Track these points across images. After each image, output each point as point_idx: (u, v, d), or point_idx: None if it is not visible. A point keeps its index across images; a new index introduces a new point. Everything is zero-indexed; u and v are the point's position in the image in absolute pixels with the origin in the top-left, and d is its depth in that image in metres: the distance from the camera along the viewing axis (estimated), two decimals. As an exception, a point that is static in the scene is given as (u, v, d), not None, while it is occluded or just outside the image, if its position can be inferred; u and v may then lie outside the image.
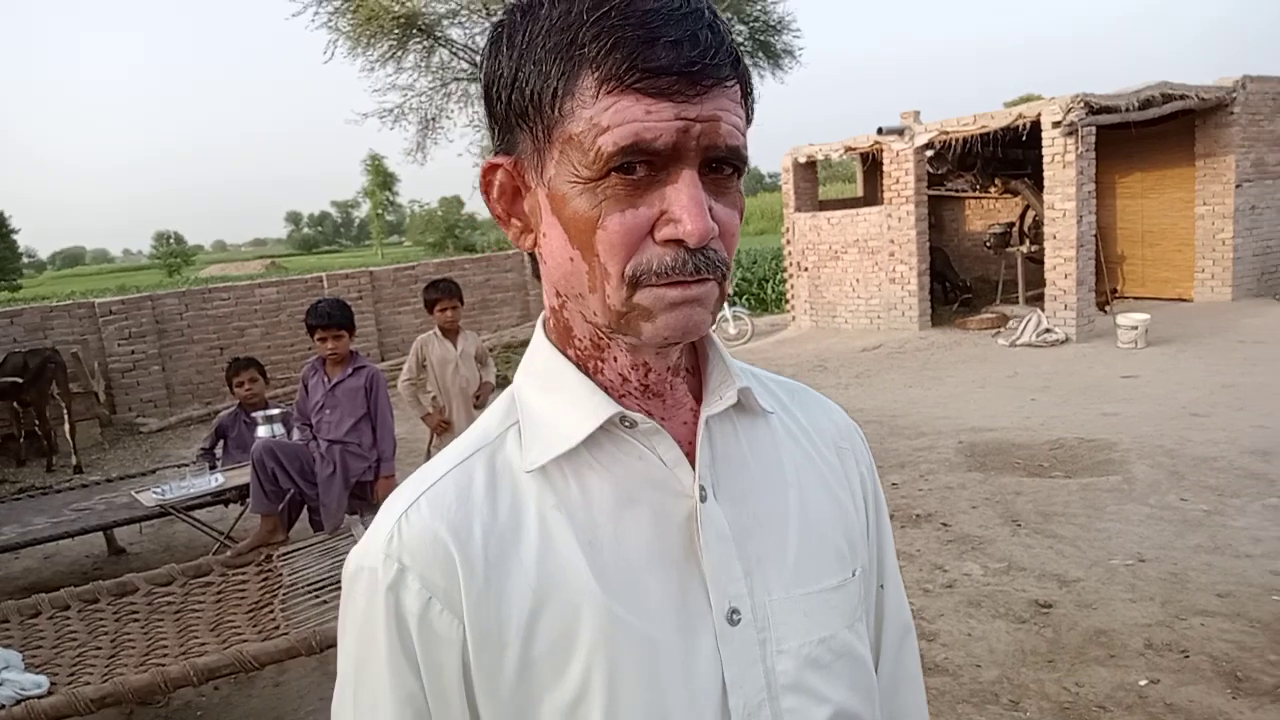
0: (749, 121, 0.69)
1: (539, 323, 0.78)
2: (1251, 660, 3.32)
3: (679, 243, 0.64)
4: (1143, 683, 3.23)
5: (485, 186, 0.73)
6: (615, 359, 0.73)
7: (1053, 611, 3.84)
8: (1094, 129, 10.09)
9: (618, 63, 0.61)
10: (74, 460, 8.93)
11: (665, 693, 0.69)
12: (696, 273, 0.65)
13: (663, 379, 0.74)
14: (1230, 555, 4.24)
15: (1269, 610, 3.68)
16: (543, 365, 0.76)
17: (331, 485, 4.25)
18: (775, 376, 0.88)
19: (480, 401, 5.19)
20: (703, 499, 0.72)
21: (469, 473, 0.72)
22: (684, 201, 0.63)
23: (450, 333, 5.13)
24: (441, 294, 5.05)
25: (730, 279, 0.70)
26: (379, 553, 0.69)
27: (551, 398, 0.74)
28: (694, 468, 0.73)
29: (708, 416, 0.75)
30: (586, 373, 0.73)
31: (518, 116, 0.67)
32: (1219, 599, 3.82)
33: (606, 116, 0.62)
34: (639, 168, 0.63)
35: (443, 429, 5.13)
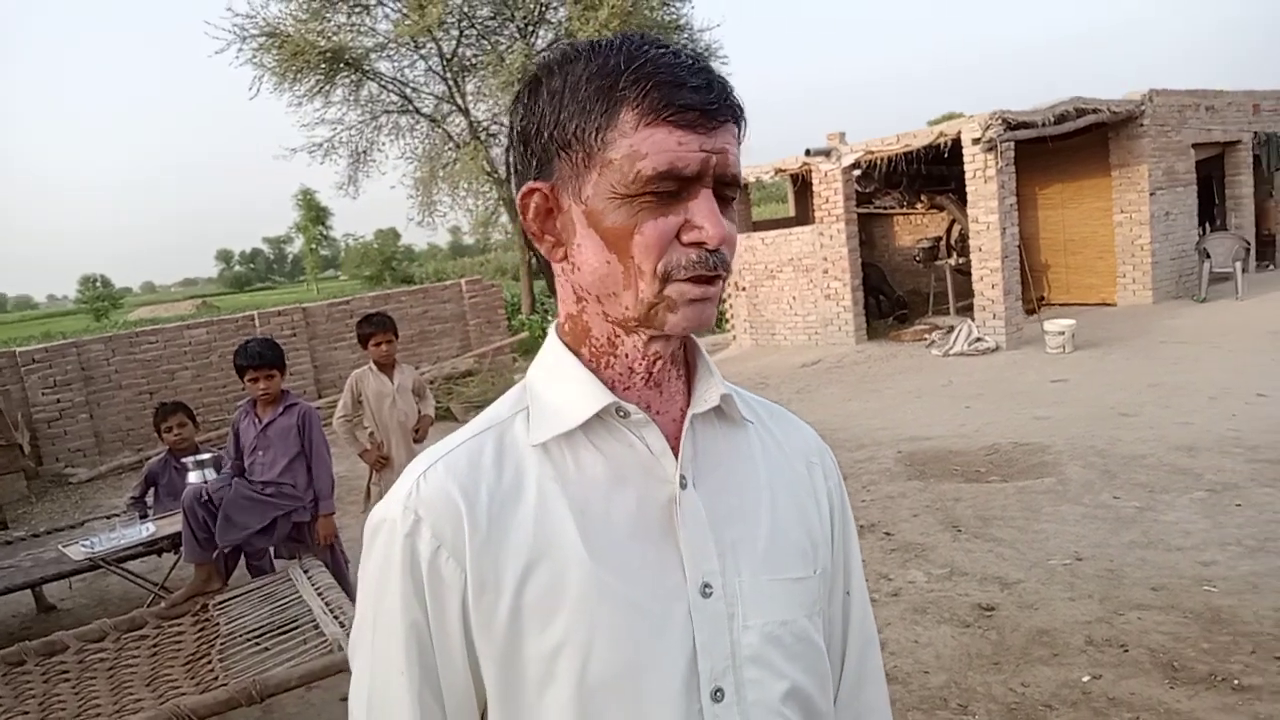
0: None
1: (551, 328, 0.90)
2: (1186, 650, 3.42)
3: (700, 245, 0.77)
4: (1085, 679, 3.31)
5: (523, 208, 0.84)
6: (626, 354, 0.84)
7: (996, 614, 3.91)
8: (1013, 144, 10.42)
9: (655, 101, 0.75)
10: (-2, 516, 8.57)
11: (638, 648, 0.78)
12: (714, 269, 0.78)
13: (665, 369, 0.85)
14: (1162, 549, 4.37)
15: (1200, 601, 3.80)
16: (553, 361, 0.87)
17: (254, 510, 4.13)
18: (756, 397, 0.99)
19: (420, 435, 5.07)
20: (683, 486, 0.82)
21: (480, 445, 0.84)
22: (705, 212, 0.77)
23: (386, 367, 5.03)
24: (375, 328, 4.96)
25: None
26: (399, 505, 0.81)
27: (557, 387, 0.85)
28: (677, 458, 0.83)
29: (693, 415, 0.86)
30: (593, 369, 0.84)
31: (560, 147, 0.79)
32: (1153, 593, 3.93)
33: (645, 145, 0.75)
34: (669, 188, 0.76)
35: (381, 464, 5.00)
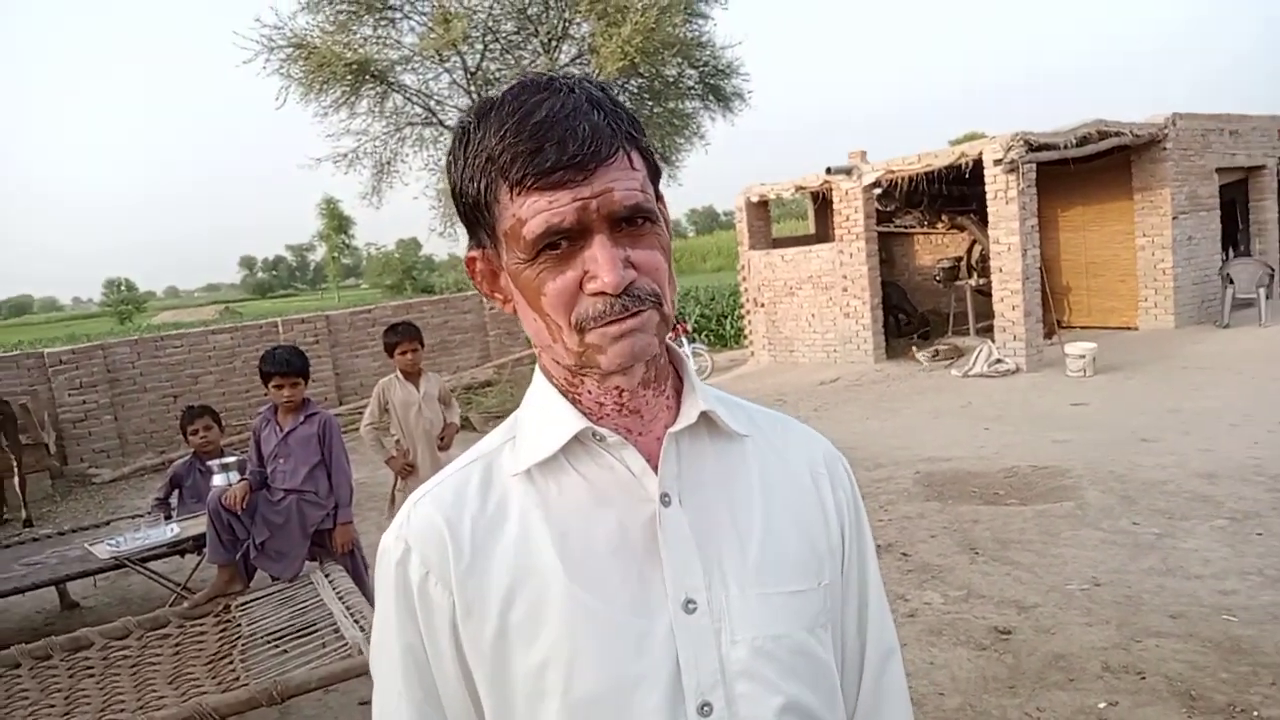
0: (656, 172, 0.86)
1: (539, 362, 0.93)
2: (1204, 679, 3.40)
3: (604, 292, 0.78)
4: (1101, 705, 3.29)
5: (470, 274, 0.90)
6: (590, 390, 0.87)
7: (1012, 637, 3.90)
8: (1034, 165, 10.41)
9: (518, 171, 0.77)
10: (24, 513, 8.68)
11: (620, 665, 0.80)
12: (625, 311, 0.79)
13: (636, 396, 0.87)
14: (1181, 577, 4.35)
15: (1219, 629, 3.78)
16: (537, 395, 0.90)
17: (289, 534, 4.20)
18: (761, 408, 1.00)
19: (445, 443, 5.11)
20: (665, 503, 0.84)
21: (467, 476, 0.89)
22: (599, 261, 0.78)
23: (412, 375, 5.08)
24: (401, 337, 5.02)
25: (668, 302, 0.83)
26: (393, 535, 0.88)
27: (538, 417, 0.89)
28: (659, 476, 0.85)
29: (674, 433, 0.87)
30: (570, 400, 0.87)
31: (471, 220, 0.85)
32: (1172, 620, 3.91)
33: (522, 212, 0.78)
34: (560, 243, 0.79)
35: (407, 472, 5.04)
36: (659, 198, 0.87)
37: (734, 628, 0.83)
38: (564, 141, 0.76)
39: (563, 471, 0.86)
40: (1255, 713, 3.14)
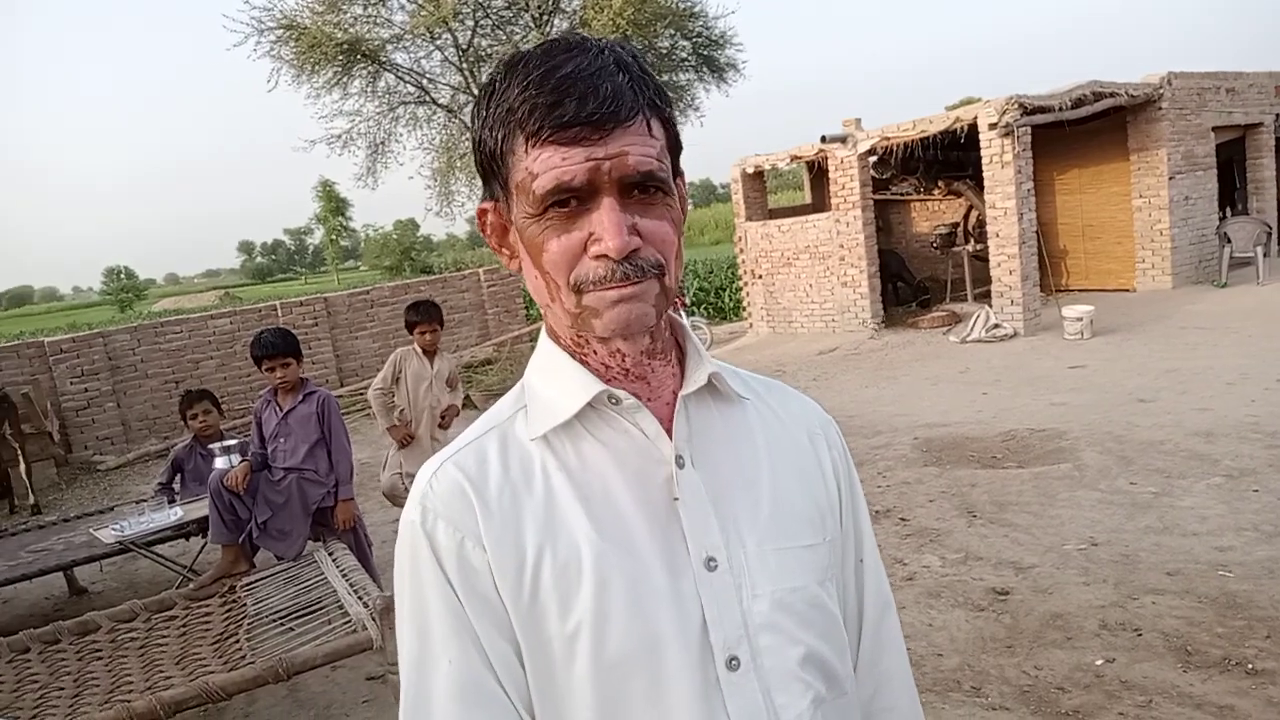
0: (676, 144, 0.85)
1: (544, 327, 0.93)
2: (1200, 634, 3.44)
3: (607, 256, 0.78)
4: (1099, 662, 3.33)
5: (480, 226, 0.90)
6: (595, 351, 0.87)
7: (1010, 598, 3.94)
8: (1030, 129, 10.36)
9: (535, 122, 0.77)
10: (31, 500, 8.75)
11: (651, 623, 0.81)
12: (626, 279, 0.79)
13: (640, 363, 0.88)
14: (1178, 535, 4.38)
15: (1215, 585, 3.81)
16: (545, 358, 0.91)
17: (291, 512, 4.23)
18: (755, 374, 1.01)
19: (446, 423, 5.27)
20: (680, 465, 0.85)
21: (485, 444, 0.89)
22: (604, 224, 0.78)
23: (429, 353, 5.26)
24: (422, 317, 5.19)
25: (672, 275, 0.83)
26: (416, 506, 0.86)
27: (550, 382, 0.89)
28: (672, 440, 0.86)
29: (684, 396, 0.88)
30: (579, 362, 0.88)
31: (487, 171, 0.85)
32: (1168, 577, 3.94)
33: (535, 166, 0.78)
34: (570, 202, 0.79)
35: (407, 442, 5.23)
36: (679, 174, 0.87)
37: (754, 582, 0.84)
38: (585, 98, 0.76)
39: (579, 436, 0.87)
40: (1250, 665, 3.18)
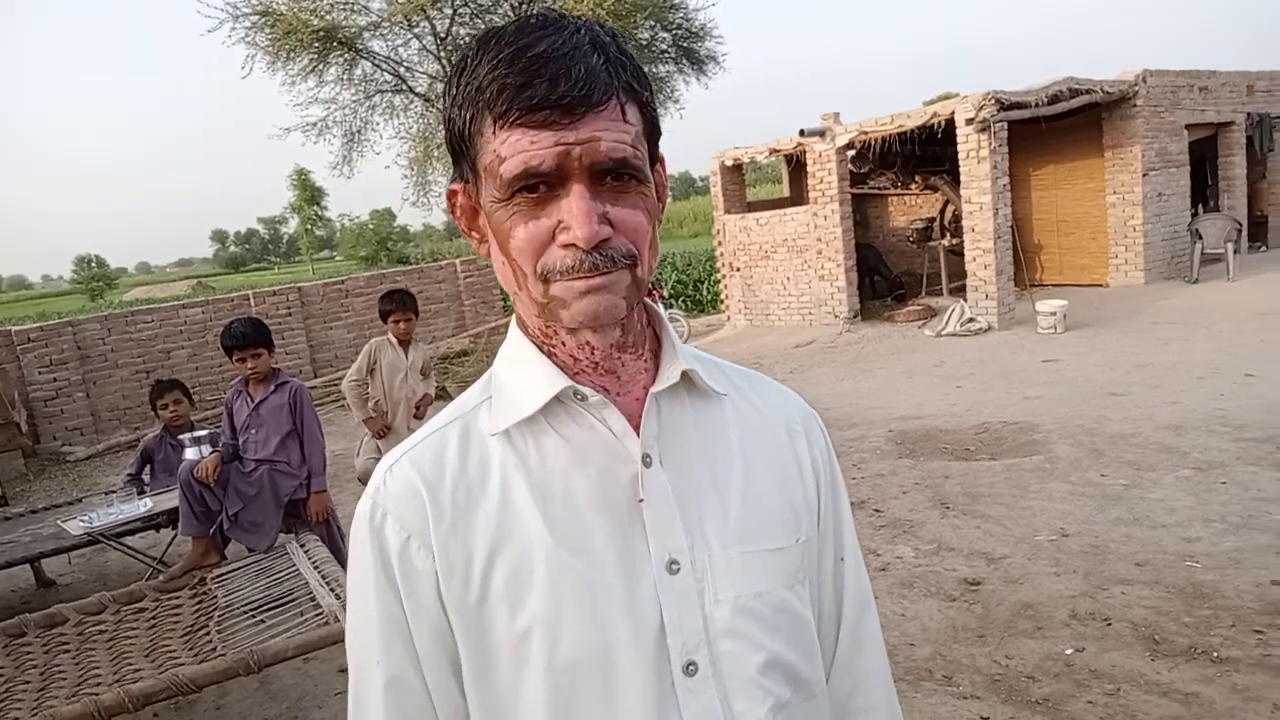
0: (654, 130, 0.82)
1: (514, 317, 0.90)
2: (1168, 624, 3.49)
3: (575, 245, 0.75)
4: (1069, 651, 3.37)
5: (450, 207, 0.87)
6: (563, 342, 0.84)
7: (981, 588, 3.97)
8: (1006, 125, 10.43)
9: (503, 104, 0.74)
10: (-3, 492, 8.62)
11: (603, 626, 0.79)
12: (595, 269, 0.76)
13: (610, 357, 0.85)
14: (1147, 526, 4.43)
15: (1183, 576, 3.86)
16: (513, 350, 0.88)
17: (262, 504, 4.19)
18: (737, 366, 0.98)
19: (420, 412, 5.27)
20: (647, 464, 0.83)
21: (445, 438, 0.86)
22: (573, 211, 0.75)
23: (404, 343, 5.25)
24: (395, 306, 5.17)
25: (645, 266, 0.80)
26: (368, 500, 0.84)
27: (518, 373, 0.86)
28: (640, 437, 0.83)
29: (655, 394, 0.85)
30: (546, 354, 0.85)
31: (456, 151, 0.82)
32: (1137, 568, 3.99)
33: (503, 149, 0.75)
34: (539, 187, 0.75)
35: (384, 433, 5.22)
36: (658, 160, 0.84)
37: (717, 587, 0.82)
38: (556, 80, 0.73)
39: (542, 432, 0.84)
40: (1215, 654, 3.23)
